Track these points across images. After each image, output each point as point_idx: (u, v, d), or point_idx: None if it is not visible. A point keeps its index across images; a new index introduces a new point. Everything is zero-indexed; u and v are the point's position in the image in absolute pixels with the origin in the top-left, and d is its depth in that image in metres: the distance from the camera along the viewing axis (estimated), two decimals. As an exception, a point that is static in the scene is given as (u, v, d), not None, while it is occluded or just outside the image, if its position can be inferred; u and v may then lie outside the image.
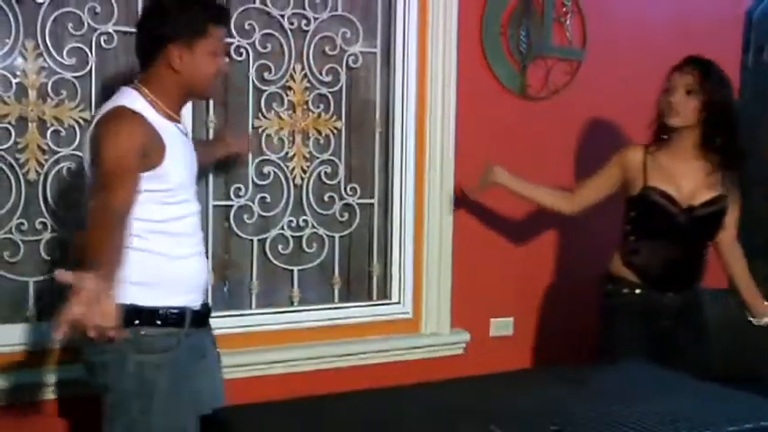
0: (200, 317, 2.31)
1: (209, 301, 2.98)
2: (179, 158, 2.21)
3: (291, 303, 3.28)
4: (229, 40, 3.06)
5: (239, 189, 3.12)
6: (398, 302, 3.47)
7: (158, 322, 2.18)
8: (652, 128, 2.97)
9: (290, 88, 3.20)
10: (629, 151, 3.01)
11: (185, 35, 2.16)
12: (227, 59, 2.39)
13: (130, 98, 2.17)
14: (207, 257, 2.50)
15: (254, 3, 3.09)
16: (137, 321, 2.14)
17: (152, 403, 2.16)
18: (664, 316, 2.95)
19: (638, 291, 2.97)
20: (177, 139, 2.23)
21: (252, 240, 3.18)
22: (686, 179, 2.90)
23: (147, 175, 2.11)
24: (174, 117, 2.26)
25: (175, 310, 2.21)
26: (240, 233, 3.14)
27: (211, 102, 3.06)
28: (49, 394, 2.74)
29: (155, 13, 2.23)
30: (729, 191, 2.92)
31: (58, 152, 2.80)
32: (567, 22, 3.66)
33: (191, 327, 2.24)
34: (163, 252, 2.20)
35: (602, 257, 3.78)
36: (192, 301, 2.27)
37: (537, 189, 3.17)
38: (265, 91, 3.16)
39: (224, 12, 2.31)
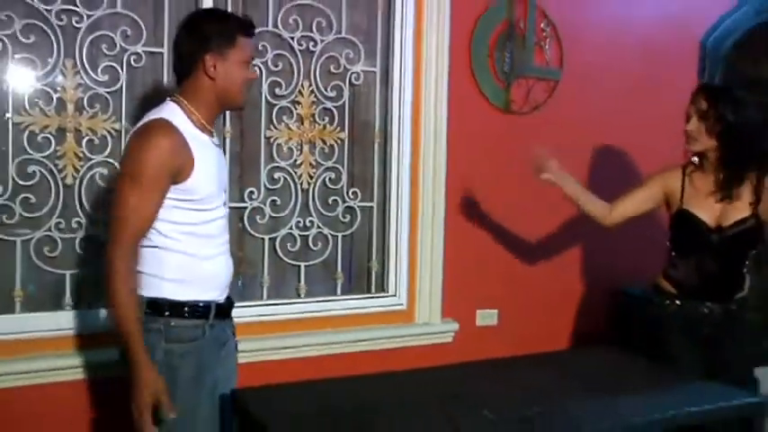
0: (224, 310, 2.28)
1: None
2: (208, 171, 2.19)
3: (298, 295, 3.30)
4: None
5: (252, 192, 3.15)
6: (394, 295, 3.48)
7: (186, 315, 2.16)
8: (687, 153, 2.89)
9: (298, 102, 3.24)
10: (670, 173, 2.93)
11: (218, 45, 2.16)
12: (256, 69, 2.37)
13: (171, 111, 2.16)
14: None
15: (268, 26, 3.14)
16: (167, 313, 2.14)
17: (176, 388, 2.12)
18: (705, 324, 2.81)
19: (677, 301, 2.85)
20: (210, 151, 2.21)
21: (263, 239, 3.19)
22: (716, 200, 2.79)
23: (176, 187, 2.11)
24: (209, 128, 2.24)
25: (202, 304, 2.19)
26: (253, 232, 3.17)
27: (227, 112, 3.03)
28: (85, 375, 2.77)
29: (190, 29, 2.20)
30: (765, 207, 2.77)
31: (92, 159, 2.85)
32: (546, 46, 3.71)
33: (215, 319, 2.22)
34: (192, 252, 2.18)
35: (581, 256, 3.86)
36: (218, 295, 2.25)
37: (584, 194, 2.97)
38: (276, 105, 3.19)
39: (250, 24, 2.28)
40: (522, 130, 3.66)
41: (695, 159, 2.85)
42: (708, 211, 2.79)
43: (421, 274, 3.47)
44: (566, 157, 3.71)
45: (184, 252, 2.17)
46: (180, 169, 2.10)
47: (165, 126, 2.10)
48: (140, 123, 2.16)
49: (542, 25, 3.67)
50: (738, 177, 2.75)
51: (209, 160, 2.19)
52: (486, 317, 3.65)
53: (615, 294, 3.90)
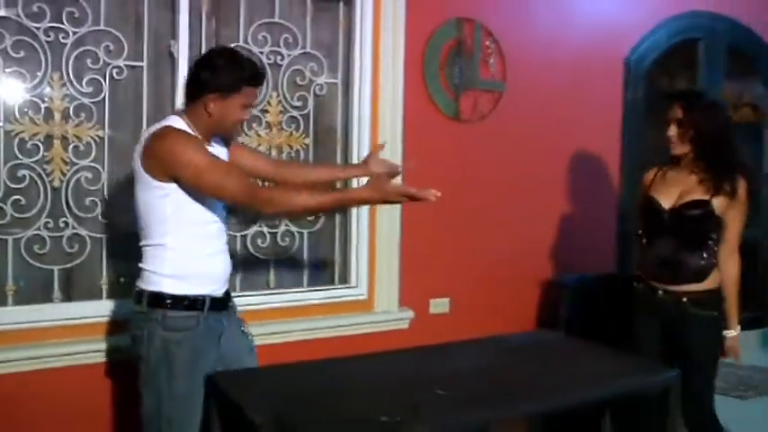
0: (220, 303, 2.33)
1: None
2: None
3: (268, 287, 3.34)
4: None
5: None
6: (356, 286, 3.52)
7: (182, 307, 2.22)
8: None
9: (267, 111, 3.28)
10: (647, 174, 2.97)
11: (223, 89, 2.21)
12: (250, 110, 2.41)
13: (175, 121, 2.24)
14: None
15: (239, 42, 3.18)
16: (166, 305, 2.22)
17: (174, 372, 2.20)
18: (666, 308, 2.79)
19: (642, 285, 2.87)
20: None
21: (236, 236, 3.23)
22: (679, 186, 2.80)
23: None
24: (207, 142, 2.30)
25: (197, 298, 2.24)
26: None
27: None
28: (72, 362, 2.79)
29: (204, 66, 2.25)
30: (726, 200, 2.72)
31: (78, 164, 2.88)
32: (491, 61, 3.78)
33: (210, 311, 2.26)
34: (193, 251, 2.25)
35: (523, 251, 3.93)
36: (214, 290, 2.30)
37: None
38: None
39: (259, 75, 2.30)
40: (471, 136, 3.76)
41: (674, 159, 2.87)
42: (667, 196, 2.82)
43: (379, 267, 3.52)
44: (509, 160, 3.89)
45: (186, 250, 2.25)
46: None
47: (176, 129, 2.21)
48: (154, 130, 2.22)
49: (487, 43, 3.75)
50: (720, 178, 2.72)
51: None
52: (439, 305, 3.72)
53: (553, 284, 4.02)
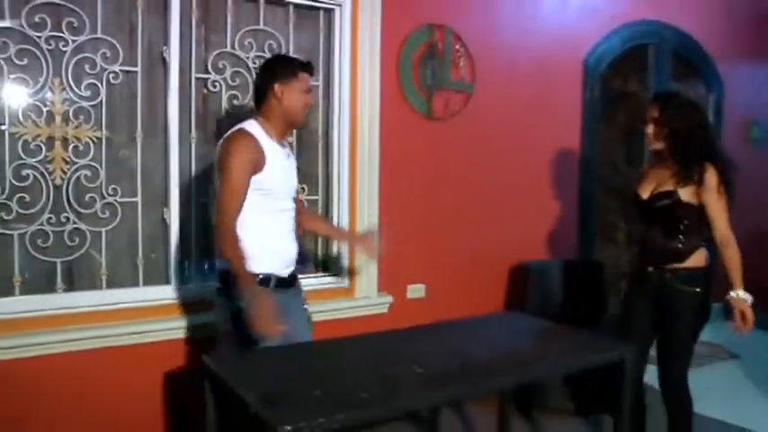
0: (285, 282, 2.58)
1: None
2: (277, 170, 2.52)
3: None
4: (206, 75, 3.19)
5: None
6: (338, 275, 3.63)
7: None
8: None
9: (253, 111, 3.33)
10: (644, 170, 3.11)
11: (283, 76, 2.55)
12: (311, 97, 2.69)
13: (249, 124, 2.53)
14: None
15: (227, 48, 3.29)
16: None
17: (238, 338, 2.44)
18: (651, 286, 2.88)
19: (636, 267, 2.99)
20: (279, 156, 2.56)
21: None
22: (656, 180, 2.91)
23: (254, 178, 2.45)
24: (280, 141, 2.59)
25: (265, 275, 2.49)
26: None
27: (193, 121, 3.14)
28: (74, 348, 2.83)
29: (264, 68, 2.62)
30: (694, 188, 2.78)
31: (77, 163, 2.96)
32: (461, 63, 3.89)
33: (275, 288, 2.51)
34: (260, 235, 2.47)
35: (493, 239, 4.04)
36: (280, 270, 2.55)
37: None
38: (235, 114, 3.27)
39: (309, 63, 2.65)
40: (442, 133, 3.87)
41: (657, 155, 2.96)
42: (646, 189, 2.93)
43: (360, 256, 3.58)
44: (478, 155, 4.00)
45: (254, 235, 2.46)
46: (256, 163, 2.47)
47: (244, 133, 2.50)
48: (228, 133, 2.53)
49: (457, 47, 3.86)
50: (688, 169, 2.80)
51: (277, 163, 2.54)
52: (415, 291, 3.82)
53: (520, 269, 4.15)
